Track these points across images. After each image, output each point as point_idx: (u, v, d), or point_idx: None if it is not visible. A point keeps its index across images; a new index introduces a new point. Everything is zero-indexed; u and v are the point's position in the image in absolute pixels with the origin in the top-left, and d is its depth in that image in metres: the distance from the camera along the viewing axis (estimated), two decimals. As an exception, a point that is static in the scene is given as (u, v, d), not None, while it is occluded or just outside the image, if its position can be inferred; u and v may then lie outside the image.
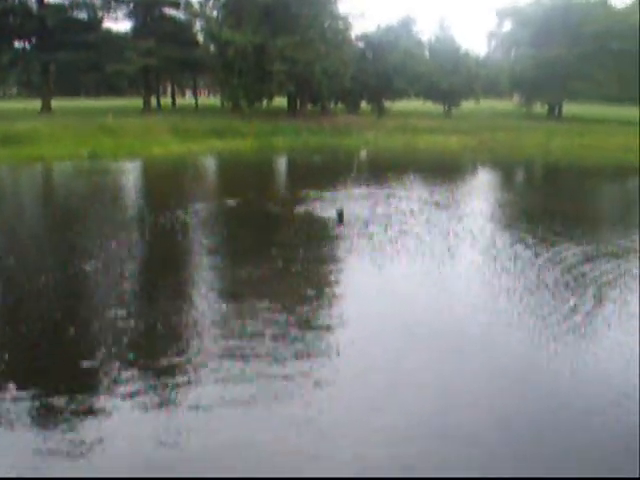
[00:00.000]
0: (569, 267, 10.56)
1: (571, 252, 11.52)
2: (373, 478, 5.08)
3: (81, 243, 12.21)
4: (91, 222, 14.50)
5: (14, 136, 26.89)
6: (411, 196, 17.63)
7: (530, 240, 12.51)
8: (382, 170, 24.17)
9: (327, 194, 17.32)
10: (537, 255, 11.41)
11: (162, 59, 41.18)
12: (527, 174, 28.25)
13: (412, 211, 15.40)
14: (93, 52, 41.16)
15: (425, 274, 10.22)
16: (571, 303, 8.79)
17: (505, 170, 27.72)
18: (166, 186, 20.67)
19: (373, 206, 15.88)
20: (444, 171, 25.28)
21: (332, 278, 10.17)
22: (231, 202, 16.34)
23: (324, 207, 15.42)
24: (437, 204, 16.53)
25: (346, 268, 10.84)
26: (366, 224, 13.82)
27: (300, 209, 15.40)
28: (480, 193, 19.80)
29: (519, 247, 12.01)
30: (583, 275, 10.14)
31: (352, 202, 16.01)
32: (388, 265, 10.77)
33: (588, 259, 11.07)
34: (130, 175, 23.56)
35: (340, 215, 13.99)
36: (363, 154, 32.03)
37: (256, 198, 17.07)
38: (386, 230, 13.27)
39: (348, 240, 12.38)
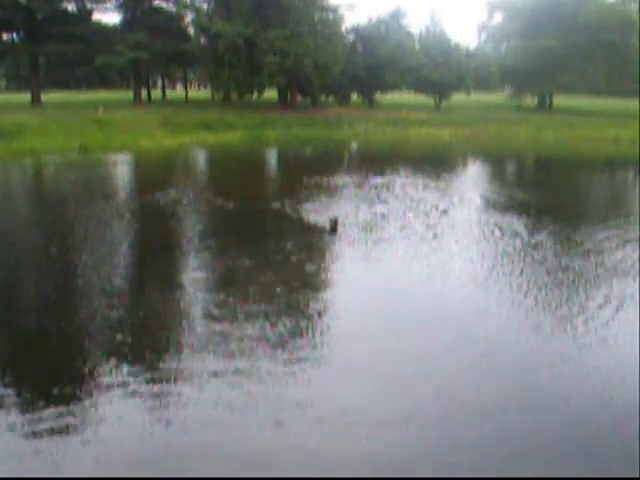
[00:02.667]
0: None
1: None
2: (373, 478, 5.10)
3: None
4: (68, 215, 14.58)
5: (3, 129, 26.71)
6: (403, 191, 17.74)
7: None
8: (373, 162, 24.22)
9: (314, 187, 17.40)
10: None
11: (152, 52, 40.90)
12: (524, 167, 28.02)
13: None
14: (83, 44, 40.83)
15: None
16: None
17: (499, 162, 27.57)
18: (150, 180, 20.74)
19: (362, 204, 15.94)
20: (436, 163, 25.32)
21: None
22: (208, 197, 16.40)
23: (314, 206, 15.13)
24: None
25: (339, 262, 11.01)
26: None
27: (285, 206, 15.17)
28: (485, 190, 18.90)
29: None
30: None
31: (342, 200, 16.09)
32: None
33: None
34: (118, 169, 23.44)
35: (334, 225, 12.16)
36: (354, 146, 32.20)
37: (239, 193, 16.98)
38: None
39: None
